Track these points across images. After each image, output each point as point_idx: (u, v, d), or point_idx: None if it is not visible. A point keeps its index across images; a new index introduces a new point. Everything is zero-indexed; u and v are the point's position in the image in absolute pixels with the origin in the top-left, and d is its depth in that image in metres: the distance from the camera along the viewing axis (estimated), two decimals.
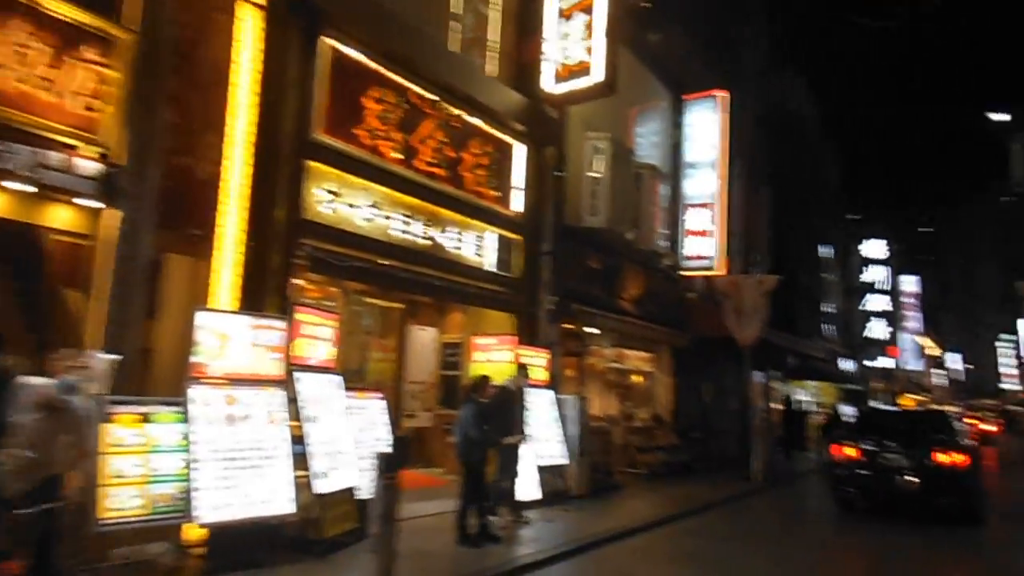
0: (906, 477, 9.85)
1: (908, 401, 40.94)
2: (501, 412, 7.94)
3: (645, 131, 15.44)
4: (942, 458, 9.88)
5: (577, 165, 12.21)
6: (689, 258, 15.37)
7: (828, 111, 35.14)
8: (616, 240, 12.84)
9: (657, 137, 15.61)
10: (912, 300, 44.99)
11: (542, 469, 9.43)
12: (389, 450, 5.82)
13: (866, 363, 37.63)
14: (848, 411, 33.17)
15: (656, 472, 13.61)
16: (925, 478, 9.74)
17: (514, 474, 8.13)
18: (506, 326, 10.75)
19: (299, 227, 7.53)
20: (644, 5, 15.38)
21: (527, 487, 8.85)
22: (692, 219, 15.41)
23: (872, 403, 36.81)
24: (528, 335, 10.96)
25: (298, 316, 6.66)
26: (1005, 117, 19.85)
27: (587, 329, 13.14)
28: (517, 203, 10.79)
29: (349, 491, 6.56)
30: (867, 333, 38.07)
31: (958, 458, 9.92)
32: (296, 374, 6.44)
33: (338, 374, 6.99)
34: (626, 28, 13.41)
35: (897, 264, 44.47)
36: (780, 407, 23.99)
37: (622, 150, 12.88)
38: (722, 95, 15.45)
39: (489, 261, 10.22)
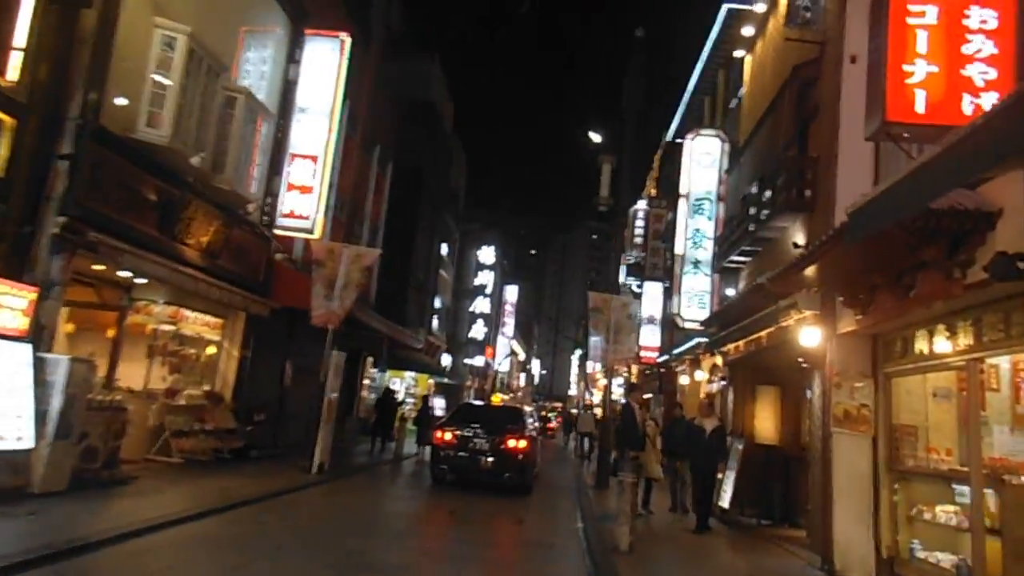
0: (487, 458, 12.34)
1: (498, 398, 45.30)
2: None
3: (255, 58, 12.99)
4: (511, 444, 12.53)
5: (139, 58, 9.28)
6: (286, 215, 13.30)
7: (460, 111, 36.39)
8: (183, 168, 10.16)
9: (268, 69, 13.26)
10: (510, 307, 49.57)
11: None
12: None
13: (465, 360, 39.89)
14: (439, 403, 34.65)
15: (199, 460, 11.21)
16: (497, 458, 12.33)
17: None
18: None
19: None
20: None
21: None
22: (296, 171, 13.39)
23: (467, 398, 39.22)
24: (14, 265, 7.74)
25: None
26: (599, 138, 21.98)
27: (128, 276, 10.21)
28: (13, 69, 7.49)
29: None
30: (471, 333, 40.46)
31: (521, 444, 12.65)
32: None
33: None
34: None
35: (501, 272, 48.63)
36: (368, 396, 23.52)
37: (208, 58, 10.26)
38: (347, 38, 13.80)
39: None
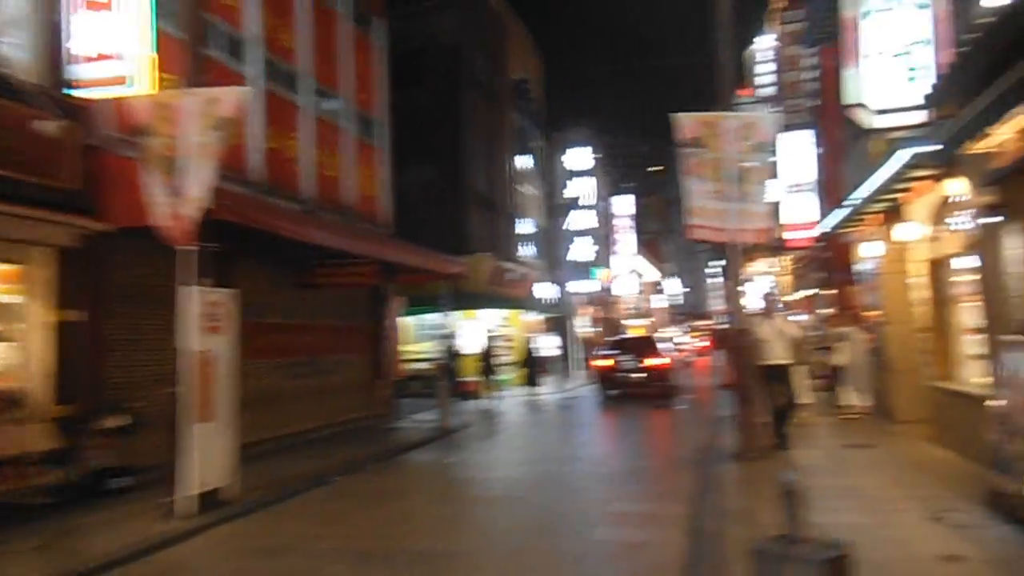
0: (634, 375, 17.34)
1: (636, 329, 40.02)
2: None
3: None
4: (650, 363, 17.48)
5: None
6: (87, 60, 7.38)
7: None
8: None
9: None
10: (625, 222, 41.99)
11: None
12: None
13: (572, 288, 33.46)
14: (554, 342, 28.56)
15: None
16: (644, 373, 17.29)
17: None
18: None
19: None
20: None
21: None
22: None
23: (577, 331, 32.93)
24: None
25: None
26: None
27: None
28: None
29: None
30: (572, 255, 33.77)
31: (660, 363, 17.64)
32: None
33: None
34: None
35: (610, 181, 41.31)
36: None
37: None
38: None
39: None
